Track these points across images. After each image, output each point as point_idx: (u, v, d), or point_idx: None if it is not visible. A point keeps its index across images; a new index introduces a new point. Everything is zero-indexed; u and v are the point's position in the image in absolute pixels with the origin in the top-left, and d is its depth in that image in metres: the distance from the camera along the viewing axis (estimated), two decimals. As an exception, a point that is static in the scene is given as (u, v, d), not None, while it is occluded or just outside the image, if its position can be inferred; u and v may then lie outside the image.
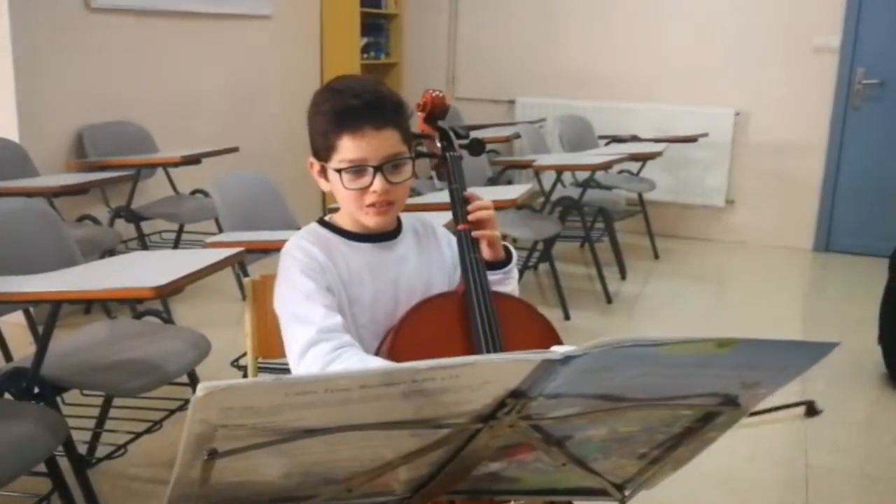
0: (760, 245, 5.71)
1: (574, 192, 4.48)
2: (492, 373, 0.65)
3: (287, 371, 1.46)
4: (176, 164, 3.74)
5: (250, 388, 0.66)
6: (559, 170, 4.19)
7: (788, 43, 5.42)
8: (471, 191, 1.58)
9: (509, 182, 4.96)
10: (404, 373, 0.64)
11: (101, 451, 2.43)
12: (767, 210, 5.70)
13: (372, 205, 1.42)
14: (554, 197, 4.43)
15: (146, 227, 3.99)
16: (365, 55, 5.97)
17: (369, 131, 1.38)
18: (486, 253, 1.54)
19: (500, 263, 1.57)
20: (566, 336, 1.51)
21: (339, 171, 1.40)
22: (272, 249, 2.68)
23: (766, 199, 5.69)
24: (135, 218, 3.85)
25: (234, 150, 3.92)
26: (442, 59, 6.31)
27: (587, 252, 4.76)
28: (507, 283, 1.57)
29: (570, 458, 0.81)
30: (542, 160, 4.21)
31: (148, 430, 2.45)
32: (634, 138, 5.35)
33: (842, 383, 3.43)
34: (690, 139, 5.20)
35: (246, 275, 3.63)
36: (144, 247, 3.86)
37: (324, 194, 5.82)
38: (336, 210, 1.56)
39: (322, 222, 1.53)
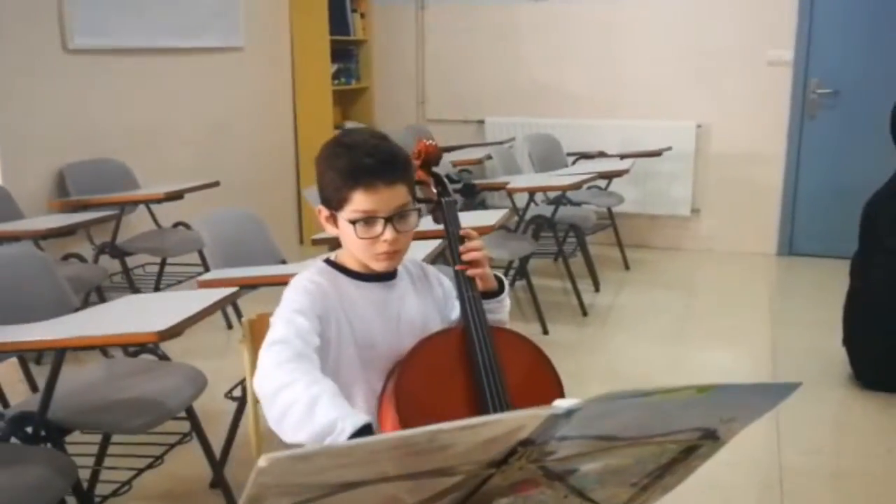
0: (726, 252, 5.89)
1: (546, 210, 4.62)
2: (506, 427, 0.76)
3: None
4: (159, 201, 3.81)
5: (306, 456, 0.76)
6: (532, 191, 4.33)
7: (744, 57, 5.62)
8: (465, 229, 1.69)
9: (483, 202, 5.09)
10: (428, 434, 0.75)
11: (103, 488, 2.50)
12: (731, 218, 5.88)
13: (382, 252, 1.53)
14: (528, 215, 4.57)
15: (130, 261, 4.05)
16: (336, 81, 6.08)
17: (381, 187, 1.49)
18: (479, 286, 1.65)
19: (494, 292, 1.68)
20: (546, 349, 1.64)
21: (352, 222, 1.51)
22: (261, 284, 2.78)
23: (729, 208, 5.87)
24: (119, 254, 3.91)
25: (216, 184, 4.01)
26: (411, 82, 6.44)
27: (561, 266, 4.91)
28: (500, 310, 1.70)
29: (571, 491, 0.93)
30: (516, 181, 4.34)
31: (149, 466, 2.53)
32: (601, 154, 5.52)
33: (810, 385, 3.55)
34: (655, 153, 5.37)
35: (237, 309, 3.72)
36: (130, 282, 3.92)
37: (300, 221, 5.94)
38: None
39: (329, 262, 1.63)
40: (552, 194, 4.81)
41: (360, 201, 1.50)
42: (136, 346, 2.70)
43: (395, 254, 1.56)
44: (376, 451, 0.75)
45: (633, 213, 5.88)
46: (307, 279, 1.56)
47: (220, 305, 2.17)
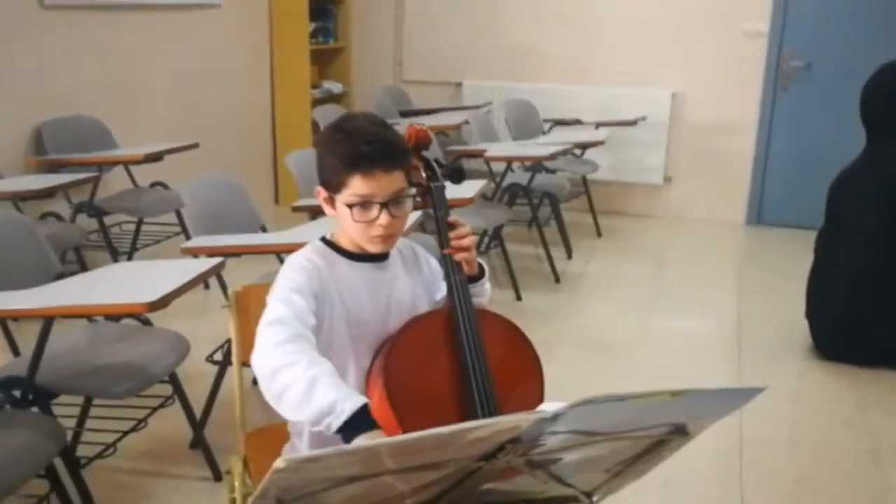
0: (696, 220, 6.01)
1: (523, 178, 4.69)
2: (499, 429, 0.84)
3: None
4: (139, 163, 3.82)
5: (318, 458, 0.82)
6: (510, 161, 4.39)
7: (721, 27, 5.68)
8: (453, 216, 1.75)
9: (460, 168, 5.13)
10: (430, 438, 0.82)
11: (88, 450, 2.56)
12: (703, 186, 5.99)
13: (377, 235, 1.58)
14: (504, 183, 4.63)
15: (107, 220, 4.06)
16: (314, 40, 6.05)
17: (379, 174, 1.54)
18: (465, 270, 1.72)
19: (476, 277, 1.75)
20: (519, 315, 1.72)
21: (349, 205, 1.56)
22: (244, 253, 2.83)
23: (701, 176, 5.98)
24: (97, 213, 3.92)
25: (195, 146, 4.01)
26: (389, 43, 6.42)
27: (534, 232, 4.98)
28: (483, 294, 1.77)
29: (551, 477, 1.01)
30: (493, 150, 4.39)
31: (133, 429, 2.59)
32: (577, 122, 5.57)
33: (773, 355, 3.73)
34: (630, 123, 5.43)
35: (219, 276, 3.76)
36: (108, 241, 3.93)
37: (276, 181, 5.94)
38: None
39: (325, 241, 1.68)
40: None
41: (357, 186, 1.55)
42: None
43: (390, 237, 1.62)
44: (379, 451, 0.82)
45: (606, 181, 5.96)
46: (304, 258, 1.61)
47: (206, 276, 2.22)
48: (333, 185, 1.59)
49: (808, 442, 3.03)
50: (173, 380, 2.65)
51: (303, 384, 1.36)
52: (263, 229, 3.23)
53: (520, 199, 4.77)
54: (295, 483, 0.83)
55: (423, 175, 1.83)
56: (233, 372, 2.02)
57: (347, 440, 1.32)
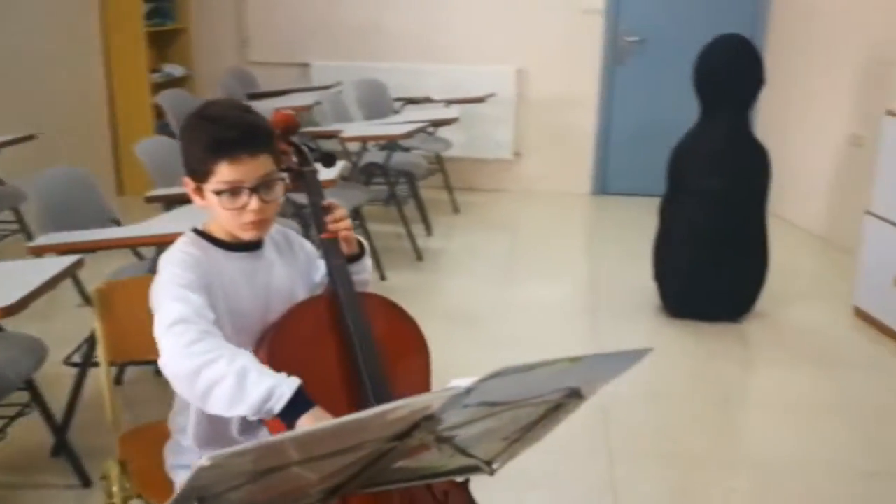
0: (545, 192, 6.22)
1: (378, 157, 4.71)
2: (415, 408, 0.86)
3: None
4: (-30, 157, 3.56)
5: (245, 453, 0.82)
6: (365, 140, 4.39)
7: (560, 5, 5.88)
8: (328, 200, 1.74)
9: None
10: (352, 423, 0.83)
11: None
12: (550, 160, 6.21)
13: (249, 222, 1.56)
14: (361, 162, 4.63)
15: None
16: (150, 21, 5.79)
17: (246, 158, 1.51)
18: (345, 249, 1.72)
19: (356, 256, 1.76)
20: (386, 295, 1.73)
21: (218, 193, 1.53)
22: (98, 249, 2.71)
23: (548, 150, 6.19)
24: (-76, 214, 3.63)
25: (31, 137, 3.77)
26: (232, 23, 6.24)
27: (393, 210, 5.01)
28: (364, 271, 1.77)
29: (457, 450, 1.05)
30: (348, 129, 4.38)
31: (-8, 441, 2.44)
32: (428, 99, 5.63)
33: (625, 316, 3.95)
34: (479, 100, 5.55)
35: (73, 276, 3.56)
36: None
37: (117, 172, 5.66)
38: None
39: (197, 232, 1.64)
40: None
41: (224, 173, 1.52)
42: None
43: (263, 223, 1.60)
44: (311, 438, 0.83)
45: (458, 157, 6.06)
46: (182, 251, 1.57)
47: (65, 275, 2.12)
48: (200, 175, 1.55)
49: (664, 394, 3.24)
50: (30, 385, 2.51)
51: (231, 379, 1.35)
52: (116, 223, 3.10)
53: (377, 178, 4.79)
54: (215, 480, 0.82)
55: (294, 160, 1.82)
56: (96, 373, 1.94)
57: (289, 423, 1.34)
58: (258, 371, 1.38)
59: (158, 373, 3.19)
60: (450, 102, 5.40)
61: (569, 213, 5.86)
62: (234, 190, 1.53)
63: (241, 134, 1.52)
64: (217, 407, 1.38)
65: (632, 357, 1.00)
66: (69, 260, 2.17)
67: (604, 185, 6.23)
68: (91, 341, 2.81)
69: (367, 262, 1.80)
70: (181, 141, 1.60)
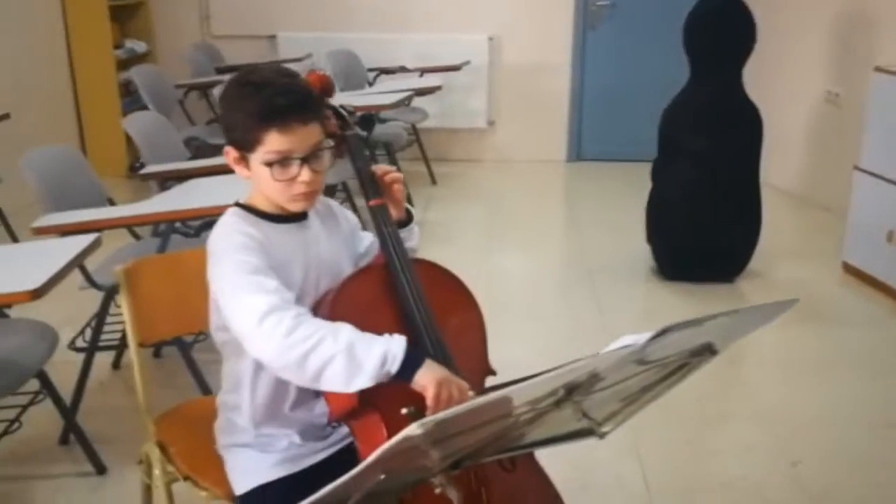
0: (521, 161, 6.19)
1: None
2: (593, 367, 0.83)
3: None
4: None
5: (454, 416, 0.78)
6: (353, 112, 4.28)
7: (531, -30, 5.82)
8: (376, 166, 1.68)
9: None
10: (544, 381, 0.80)
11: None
12: (524, 128, 6.17)
13: (300, 193, 1.49)
14: (342, 135, 4.53)
15: None
16: (110, -5, 5.57)
17: (297, 127, 1.43)
18: (394, 214, 1.66)
19: (404, 222, 1.70)
20: None
21: (268, 164, 1.45)
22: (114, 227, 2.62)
23: (522, 118, 6.15)
24: None
25: (6, 116, 3.61)
26: (193, -4, 6.04)
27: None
28: (413, 238, 1.72)
29: (582, 415, 1.02)
30: (329, 102, 4.27)
31: (6, 431, 2.34)
32: (402, 69, 5.54)
33: (621, 280, 3.96)
34: (455, 68, 5.48)
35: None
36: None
37: (83, 149, 5.46)
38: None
39: (241, 206, 1.56)
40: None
41: (274, 142, 1.44)
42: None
43: (312, 194, 1.53)
44: (502, 400, 0.80)
45: (433, 128, 5.98)
46: (239, 233, 1.48)
47: (85, 255, 2.02)
48: (246, 144, 1.47)
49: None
50: (40, 373, 2.41)
51: (342, 357, 1.33)
52: (111, 202, 2.98)
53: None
54: (429, 443, 0.78)
55: (335, 124, 1.75)
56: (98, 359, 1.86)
57: (407, 379, 1.34)
58: (363, 340, 1.35)
59: (157, 355, 3.09)
60: (424, 71, 5.33)
61: (546, 180, 5.85)
62: (284, 160, 1.45)
63: (292, 101, 1.44)
64: (333, 385, 1.35)
65: (779, 308, 0.98)
66: (87, 239, 2.07)
67: (578, 151, 6.23)
68: (98, 324, 2.71)
69: (415, 228, 1.75)
70: (223, 108, 1.52)
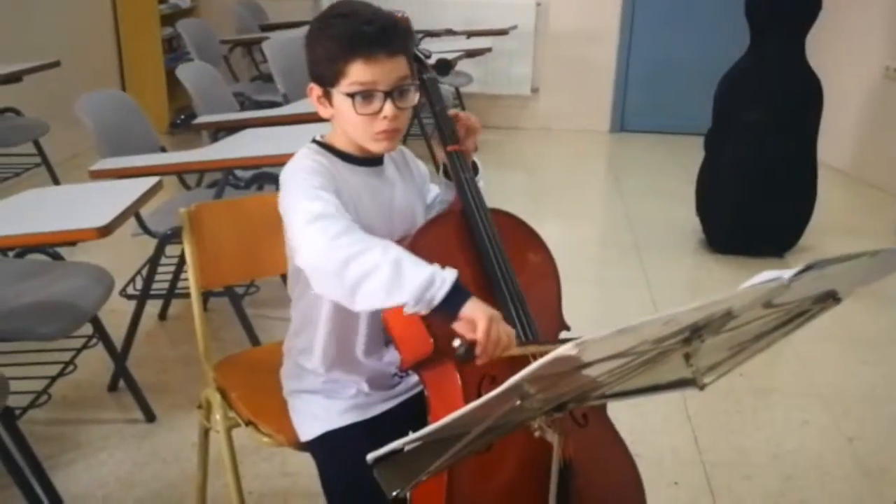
0: (563, 130, 6.12)
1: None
2: (730, 303, 0.78)
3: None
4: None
5: (608, 339, 0.74)
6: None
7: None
8: (455, 111, 1.64)
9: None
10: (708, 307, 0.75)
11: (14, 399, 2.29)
12: (568, 96, 6.09)
13: (382, 131, 1.44)
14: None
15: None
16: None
17: (382, 57, 1.38)
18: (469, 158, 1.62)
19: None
20: None
21: (351, 95, 1.40)
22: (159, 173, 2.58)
23: (566, 86, 6.06)
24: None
25: (57, 64, 3.59)
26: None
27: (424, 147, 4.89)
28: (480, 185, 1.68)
29: (689, 362, 0.97)
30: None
31: (61, 374, 2.34)
32: (449, 32, 5.46)
33: (669, 251, 3.90)
34: (502, 32, 5.40)
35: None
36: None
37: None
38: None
39: (318, 143, 1.53)
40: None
41: (359, 72, 1.39)
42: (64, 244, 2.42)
43: (395, 133, 1.48)
44: (638, 329, 0.76)
45: (475, 93, 5.93)
46: (309, 158, 1.45)
47: (148, 197, 2.00)
48: (330, 77, 1.42)
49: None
50: (93, 318, 2.40)
51: (388, 267, 1.24)
52: (163, 150, 2.96)
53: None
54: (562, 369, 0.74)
55: (413, 67, 1.70)
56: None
57: (452, 312, 1.24)
58: (414, 261, 1.27)
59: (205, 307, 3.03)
60: (471, 34, 5.25)
61: (590, 150, 5.77)
62: (367, 92, 1.40)
63: (378, 30, 1.38)
64: (370, 299, 1.26)
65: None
66: (149, 182, 2.05)
67: (622, 122, 6.13)
68: (150, 271, 2.70)
69: (481, 182, 1.71)
70: (308, 42, 1.46)
